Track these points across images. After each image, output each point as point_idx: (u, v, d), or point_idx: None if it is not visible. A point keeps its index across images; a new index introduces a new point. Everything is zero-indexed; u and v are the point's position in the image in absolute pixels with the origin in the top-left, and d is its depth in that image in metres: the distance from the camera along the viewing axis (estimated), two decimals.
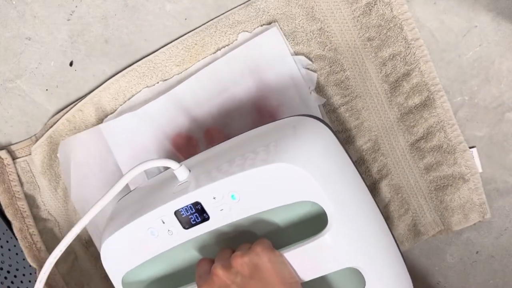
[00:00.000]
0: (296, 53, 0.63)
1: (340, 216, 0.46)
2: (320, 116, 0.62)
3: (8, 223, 0.72)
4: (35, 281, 0.74)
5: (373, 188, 0.66)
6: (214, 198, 0.48)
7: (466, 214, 0.65)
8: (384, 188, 0.66)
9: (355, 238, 0.47)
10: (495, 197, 0.66)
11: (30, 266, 0.74)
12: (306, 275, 0.47)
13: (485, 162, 0.64)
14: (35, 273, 0.72)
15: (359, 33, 0.61)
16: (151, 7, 0.63)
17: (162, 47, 0.64)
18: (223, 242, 0.54)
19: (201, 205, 0.49)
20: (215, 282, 0.47)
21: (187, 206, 0.49)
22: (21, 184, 0.72)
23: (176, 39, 0.64)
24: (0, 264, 0.72)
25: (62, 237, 0.73)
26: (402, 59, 0.61)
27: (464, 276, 0.70)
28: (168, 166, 0.52)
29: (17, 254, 0.75)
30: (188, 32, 0.63)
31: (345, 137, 0.65)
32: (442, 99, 0.62)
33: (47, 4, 0.63)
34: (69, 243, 0.55)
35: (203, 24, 0.63)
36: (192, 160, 0.57)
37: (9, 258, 0.74)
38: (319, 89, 0.64)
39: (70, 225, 0.73)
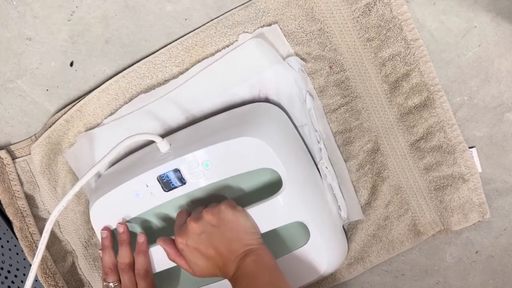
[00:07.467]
0: (296, 53, 0.63)
1: (292, 180, 0.57)
2: (315, 119, 0.64)
3: (9, 224, 0.72)
4: (36, 281, 0.74)
5: (373, 189, 0.66)
6: (191, 165, 0.58)
7: (466, 214, 0.65)
8: (384, 188, 0.66)
9: (302, 198, 0.59)
10: (494, 197, 0.66)
11: (30, 265, 0.74)
12: (264, 227, 0.58)
13: (485, 162, 0.65)
14: None
15: (358, 34, 0.61)
16: (152, 8, 0.63)
17: (162, 47, 0.65)
18: (198, 205, 0.63)
19: (180, 172, 0.59)
20: (189, 231, 0.57)
21: (168, 172, 0.59)
22: (21, 183, 0.72)
23: (176, 39, 0.64)
24: (0, 264, 0.72)
25: (63, 236, 0.74)
26: (401, 60, 0.61)
27: (463, 276, 0.70)
28: (153, 139, 0.61)
29: (17, 254, 0.75)
30: (188, 33, 0.63)
31: (345, 138, 0.65)
32: (442, 99, 0.62)
33: (48, 4, 0.63)
34: (69, 199, 0.62)
35: (203, 25, 0.63)
36: (171, 136, 0.65)
37: (10, 258, 0.74)
38: (319, 89, 0.64)
39: (70, 224, 0.73)
